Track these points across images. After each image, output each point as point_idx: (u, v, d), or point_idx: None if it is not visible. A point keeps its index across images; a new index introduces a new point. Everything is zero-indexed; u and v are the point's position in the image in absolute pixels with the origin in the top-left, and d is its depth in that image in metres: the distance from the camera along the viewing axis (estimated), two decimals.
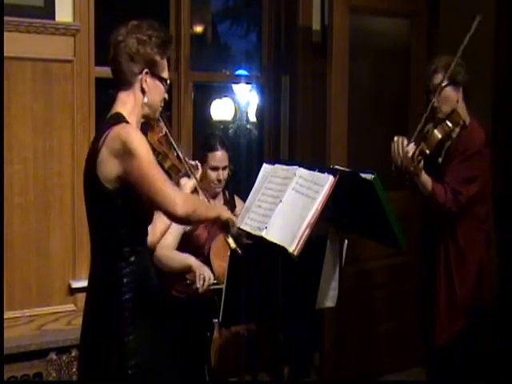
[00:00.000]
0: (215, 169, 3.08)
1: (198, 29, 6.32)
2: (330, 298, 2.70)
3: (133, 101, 2.13)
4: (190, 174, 2.40)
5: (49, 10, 3.24)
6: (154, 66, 2.12)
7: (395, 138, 3.05)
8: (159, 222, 2.61)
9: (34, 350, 3.21)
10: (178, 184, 2.38)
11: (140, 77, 2.11)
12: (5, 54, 3.02)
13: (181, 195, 2.06)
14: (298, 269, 2.47)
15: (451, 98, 3.03)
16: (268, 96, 4.35)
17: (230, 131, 6.24)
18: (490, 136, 3.32)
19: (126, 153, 2.00)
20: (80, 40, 3.27)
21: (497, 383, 3.52)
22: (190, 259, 2.92)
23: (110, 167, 2.03)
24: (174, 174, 2.33)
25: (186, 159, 2.42)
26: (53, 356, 3.24)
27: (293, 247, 2.25)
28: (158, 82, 2.14)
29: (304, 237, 2.25)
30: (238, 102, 6.26)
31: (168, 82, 2.18)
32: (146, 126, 2.23)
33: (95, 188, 2.08)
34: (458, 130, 3.01)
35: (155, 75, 2.13)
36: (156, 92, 2.15)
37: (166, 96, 2.21)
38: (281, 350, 2.93)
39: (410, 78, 4.03)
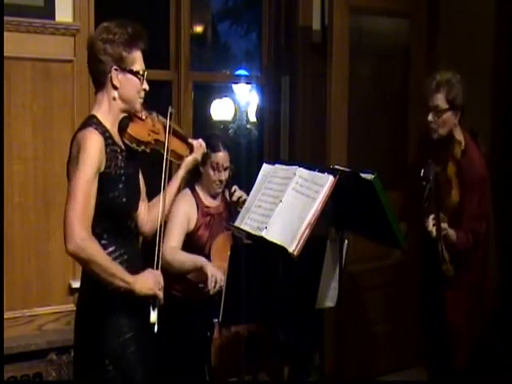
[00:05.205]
0: (217, 169, 3.09)
1: (198, 29, 6.33)
2: (329, 297, 2.69)
3: (107, 99, 2.19)
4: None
5: (49, 10, 3.24)
6: (121, 61, 2.16)
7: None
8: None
9: (33, 349, 3.21)
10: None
11: (110, 75, 2.16)
12: (5, 54, 3.01)
13: (82, 236, 2.01)
14: (298, 269, 2.47)
15: (450, 121, 2.98)
16: (268, 96, 4.35)
17: (230, 131, 6.25)
18: (489, 139, 3.31)
19: (75, 159, 2.09)
20: (80, 40, 3.26)
21: (497, 383, 3.52)
22: (200, 260, 2.92)
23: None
24: (175, 159, 2.40)
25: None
26: (53, 356, 3.24)
27: (293, 247, 2.25)
28: (129, 76, 2.18)
29: (304, 237, 2.25)
30: (238, 102, 6.27)
31: (142, 72, 2.20)
32: (128, 120, 2.24)
33: None
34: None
35: (125, 70, 2.17)
36: (129, 86, 2.19)
37: (146, 86, 2.23)
38: (281, 350, 2.94)
39: (410, 78, 4.03)
